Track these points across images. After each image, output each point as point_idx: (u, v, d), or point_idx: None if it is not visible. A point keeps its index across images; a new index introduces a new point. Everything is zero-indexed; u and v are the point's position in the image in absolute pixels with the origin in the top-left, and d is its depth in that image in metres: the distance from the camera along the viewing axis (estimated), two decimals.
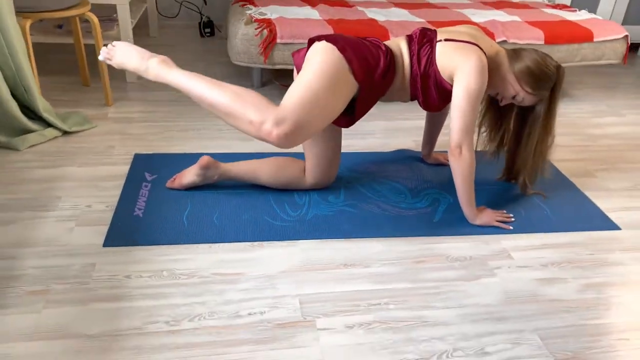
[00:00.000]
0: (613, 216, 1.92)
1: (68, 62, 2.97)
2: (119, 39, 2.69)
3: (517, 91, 1.73)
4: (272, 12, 2.56)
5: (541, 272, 1.62)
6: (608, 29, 2.72)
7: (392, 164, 2.16)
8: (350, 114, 1.71)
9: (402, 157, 2.22)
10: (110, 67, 2.73)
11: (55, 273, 1.48)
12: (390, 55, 1.70)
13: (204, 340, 1.31)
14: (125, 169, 2.00)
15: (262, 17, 2.50)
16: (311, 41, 1.67)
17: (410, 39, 1.76)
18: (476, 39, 1.71)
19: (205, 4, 3.69)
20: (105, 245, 1.60)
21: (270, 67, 2.46)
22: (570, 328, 1.42)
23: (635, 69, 3.57)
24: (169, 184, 1.89)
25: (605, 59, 2.75)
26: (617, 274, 1.64)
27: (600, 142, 2.49)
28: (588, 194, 2.05)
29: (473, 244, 1.73)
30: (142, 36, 3.52)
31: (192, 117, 2.45)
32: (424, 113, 2.63)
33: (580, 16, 2.90)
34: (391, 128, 2.49)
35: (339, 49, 1.58)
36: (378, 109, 2.66)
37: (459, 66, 1.64)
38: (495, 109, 1.91)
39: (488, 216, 1.80)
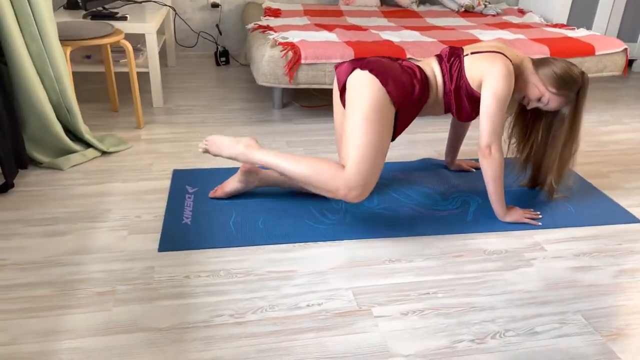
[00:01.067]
0: (633, 211, 2.03)
1: (96, 90, 3.09)
2: (146, 67, 2.82)
3: (542, 92, 1.83)
4: (293, 37, 2.71)
5: (575, 262, 1.71)
6: (608, 43, 2.89)
7: (418, 171, 2.27)
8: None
9: (427, 165, 2.33)
10: (144, 98, 2.85)
11: (118, 276, 1.55)
12: (425, 79, 1.83)
13: (270, 329, 1.38)
14: (166, 183, 2.09)
15: (285, 40, 2.65)
16: (353, 64, 1.79)
17: (440, 58, 1.89)
18: (501, 49, 1.84)
19: (220, 34, 3.85)
20: (160, 250, 1.68)
21: (294, 86, 2.59)
22: (610, 309, 1.51)
23: (632, 82, 3.75)
24: (211, 194, 1.98)
25: (607, 71, 2.91)
26: None
27: (610, 147, 2.62)
28: (606, 192, 2.16)
29: (506, 239, 1.82)
30: (161, 66, 3.66)
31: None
32: (445, 126, 2.78)
33: (580, 33, 3.08)
34: (413, 140, 2.60)
35: (381, 82, 1.71)
36: None
37: (486, 73, 1.78)
38: (524, 120, 2.01)
39: (517, 214, 1.90)
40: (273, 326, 1.39)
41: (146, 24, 2.70)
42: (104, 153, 2.31)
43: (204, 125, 2.69)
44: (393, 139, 1.87)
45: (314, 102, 3.06)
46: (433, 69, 1.89)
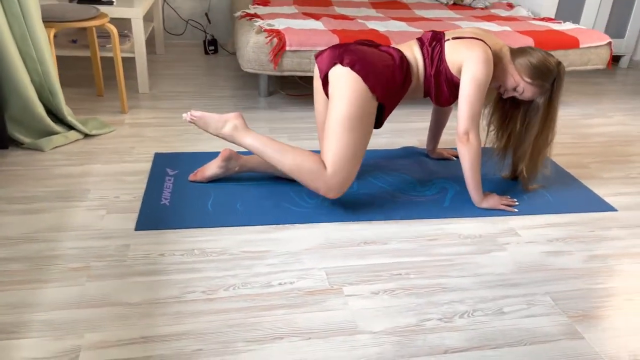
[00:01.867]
0: (609, 200, 2.05)
1: (81, 75, 3.09)
2: (132, 52, 2.82)
3: (517, 82, 1.85)
4: (279, 24, 2.71)
5: (548, 247, 1.73)
6: (593, 36, 2.91)
7: (399, 159, 2.28)
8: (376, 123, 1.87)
9: (408, 153, 2.34)
10: (129, 84, 2.85)
11: (94, 252, 1.56)
12: (406, 64, 1.84)
13: (241, 306, 1.39)
14: (146, 166, 2.10)
15: (270, 27, 2.65)
16: (333, 54, 1.80)
17: (421, 42, 1.90)
18: (481, 36, 1.86)
19: (209, 22, 3.85)
20: (137, 229, 1.69)
21: (279, 73, 2.60)
22: (579, 291, 1.53)
23: (618, 78, 3.77)
24: (191, 177, 1.99)
25: (591, 64, 2.93)
26: (617, 247, 1.76)
27: (592, 139, 2.64)
28: (584, 182, 2.18)
29: (482, 224, 1.84)
30: (149, 53, 3.66)
31: None
32: (427, 116, 2.79)
33: (566, 26, 3.10)
34: (397, 129, 2.62)
35: (363, 79, 1.72)
36: None
37: (466, 58, 1.79)
38: (502, 109, 2.02)
39: (494, 200, 1.92)
40: (244, 302, 1.41)
41: (133, 9, 2.70)
42: (86, 136, 2.31)
43: (188, 110, 2.69)
44: (379, 127, 1.88)
45: (300, 90, 3.07)
46: (414, 52, 1.90)
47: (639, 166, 2.36)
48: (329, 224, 1.79)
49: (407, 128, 2.64)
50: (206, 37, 3.72)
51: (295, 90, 3.07)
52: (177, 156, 2.18)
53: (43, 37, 2.09)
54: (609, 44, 2.94)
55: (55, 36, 2.92)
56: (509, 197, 1.98)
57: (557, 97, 1.88)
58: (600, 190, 2.12)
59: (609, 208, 1.98)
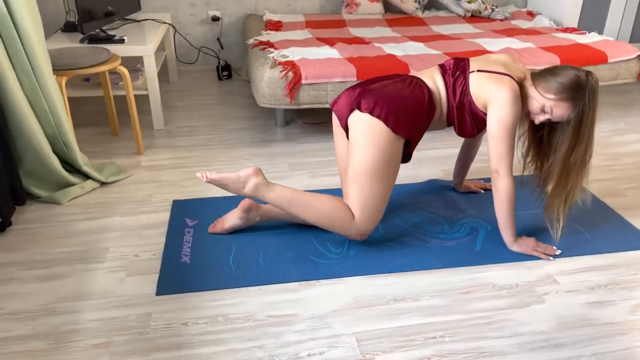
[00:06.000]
0: None
1: (96, 113, 3.06)
2: (145, 89, 2.78)
3: (541, 103, 1.69)
4: (293, 54, 2.64)
5: (589, 296, 1.63)
6: (621, 50, 2.79)
7: (425, 194, 2.20)
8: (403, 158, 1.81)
9: (434, 187, 2.26)
10: (144, 120, 2.80)
11: (115, 325, 1.51)
12: (428, 93, 1.76)
13: None
14: (165, 216, 2.05)
15: (285, 59, 2.58)
16: (349, 100, 1.73)
17: (443, 70, 1.82)
18: (507, 68, 1.76)
19: (222, 48, 3.80)
20: (158, 294, 1.63)
21: (296, 107, 2.53)
22: (626, 351, 1.43)
23: None
24: (211, 229, 1.93)
25: (620, 78, 2.80)
26: None
27: (625, 160, 2.52)
28: (620, 212, 2.07)
29: (517, 270, 1.75)
30: (162, 82, 3.62)
31: (223, 160, 2.50)
32: (451, 142, 2.70)
33: (592, 38, 2.97)
34: (419, 158, 2.53)
35: (383, 121, 1.66)
36: None
37: (492, 97, 1.70)
38: (538, 137, 1.87)
39: (527, 245, 1.81)
40: None
41: (144, 46, 2.65)
42: (102, 184, 2.27)
43: (205, 148, 2.64)
44: (407, 161, 1.82)
45: (317, 118, 2.99)
46: (436, 81, 1.81)
47: None
48: (355, 278, 1.71)
49: (429, 156, 2.55)
50: (219, 63, 3.67)
51: (312, 118, 2.99)
52: (195, 203, 2.13)
53: (54, 88, 2.05)
54: (639, 57, 2.81)
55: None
56: (551, 247, 1.83)
57: (592, 112, 1.67)
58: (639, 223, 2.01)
59: None
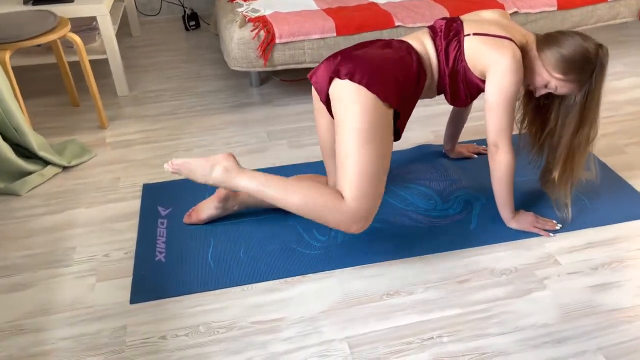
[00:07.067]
0: None
1: (52, 80, 2.79)
2: (102, 51, 2.52)
3: (546, 79, 1.56)
4: (265, 8, 2.38)
5: (592, 278, 1.54)
6: None
7: (414, 163, 2.05)
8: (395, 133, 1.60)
9: (424, 153, 2.10)
10: (99, 85, 2.56)
11: (87, 343, 1.39)
12: (417, 56, 1.56)
13: None
14: (135, 204, 1.88)
15: (255, 14, 2.32)
16: (328, 69, 1.53)
17: (434, 32, 1.61)
18: (507, 30, 1.56)
19: None
20: (132, 302, 1.51)
21: (271, 69, 2.31)
22: (634, 342, 1.36)
23: None
24: (186, 219, 1.78)
25: (620, 17, 2.60)
26: None
27: (624, 110, 2.37)
28: (623, 175, 1.95)
29: (515, 251, 1.64)
30: (124, 36, 3.32)
31: (194, 131, 2.31)
32: (440, 99, 2.51)
33: None
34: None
35: (366, 87, 1.44)
36: None
37: (493, 65, 1.51)
38: (534, 108, 1.73)
39: (526, 221, 1.70)
40: None
41: (97, 6, 2.36)
42: (64, 168, 2.08)
43: (174, 117, 2.43)
44: (397, 139, 1.63)
45: (295, 74, 2.76)
46: (425, 45, 1.61)
47: None
48: (344, 270, 1.60)
49: (419, 116, 2.37)
50: (185, 11, 3.35)
51: (289, 74, 2.76)
52: (168, 187, 1.96)
53: None
54: None
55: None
56: (550, 220, 1.72)
57: (598, 90, 1.56)
58: None
59: None
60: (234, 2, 2.52)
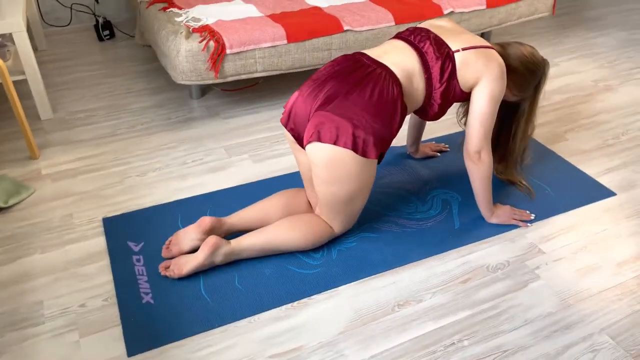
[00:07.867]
0: (603, 181, 2.00)
1: None
2: (20, 72, 2.22)
3: (506, 96, 1.73)
4: (206, 17, 2.24)
5: (576, 263, 1.65)
6: None
7: (383, 167, 2.05)
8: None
9: (389, 156, 2.12)
10: (25, 109, 2.26)
11: None
12: (400, 92, 1.52)
13: None
14: (99, 242, 1.70)
15: (198, 24, 2.18)
16: (309, 131, 1.49)
17: (421, 54, 1.58)
18: (475, 38, 1.63)
19: (97, 2, 3.17)
20: (130, 354, 1.35)
21: (222, 80, 2.19)
22: (630, 317, 1.47)
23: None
24: (165, 252, 1.63)
25: (537, 13, 2.81)
26: (633, 244, 1.72)
27: (554, 99, 2.57)
28: (571, 160, 2.11)
29: (501, 245, 1.71)
30: None
31: (143, 153, 2.12)
32: None
33: None
34: None
35: (353, 149, 1.46)
36: None
37: (483, 76, 1.59)
38: None
39: (505, 214, 1.78)
40: None
41: (10, 20, 2.08)
42: (1, 210, 1.82)
43: (115, 139, 2.22)
44: (379, 162, 1.61)
45: (234, 84, 2.65)
46: (408, 69, 1.56)
47: (608, 129, 2.33)
48: (348, 286, 1.56)
49: None
50: (97, 21, 3.07)
51: (230, 84, 2.64)
52: (132, 218, 1.78)
53: None
54: None
55: None
56: (525, 211, 1.82)
57: (539, 96, 1.77)
58: (590, 169, 2.06)
59: (608, 193, 1.93)
60: (167, 10, 2.35)
